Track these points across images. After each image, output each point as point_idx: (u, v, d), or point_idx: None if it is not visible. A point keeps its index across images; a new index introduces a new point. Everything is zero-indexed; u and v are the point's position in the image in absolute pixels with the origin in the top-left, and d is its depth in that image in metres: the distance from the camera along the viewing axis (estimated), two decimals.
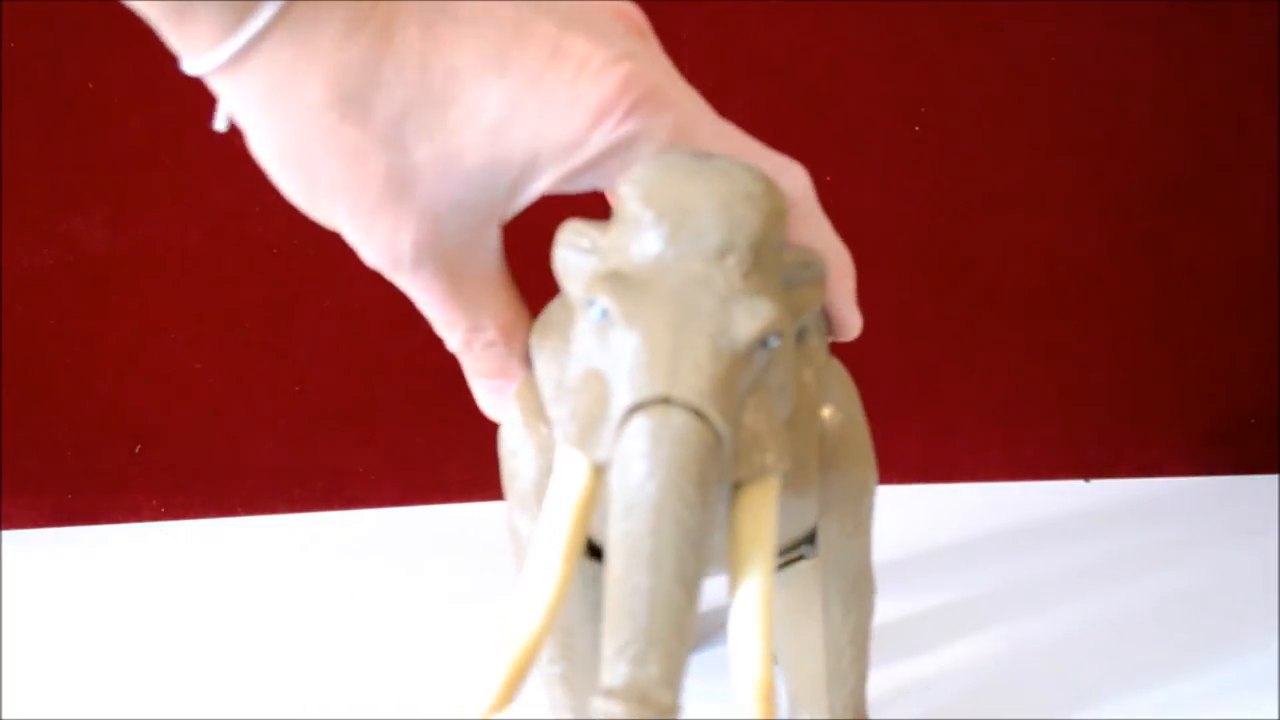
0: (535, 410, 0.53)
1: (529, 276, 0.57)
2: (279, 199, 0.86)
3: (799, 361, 0.47)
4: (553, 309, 0.54)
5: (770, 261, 0.44)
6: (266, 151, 0.48)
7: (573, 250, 0.47)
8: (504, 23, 0.46)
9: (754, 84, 0.97)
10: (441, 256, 0.49)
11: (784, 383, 0.45)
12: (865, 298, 1.06)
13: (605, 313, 0.43)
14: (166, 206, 0.91)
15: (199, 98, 0.95)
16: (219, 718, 0.63)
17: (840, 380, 0.54)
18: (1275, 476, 0.99)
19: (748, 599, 0.43)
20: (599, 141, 0.47)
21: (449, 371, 1.02)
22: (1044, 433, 1.02)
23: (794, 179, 0.51)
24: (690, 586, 0.41)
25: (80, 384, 0.92)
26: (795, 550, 0.53)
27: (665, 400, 0.42)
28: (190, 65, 0.45)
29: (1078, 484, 1.01)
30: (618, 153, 0.47)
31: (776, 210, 0.45)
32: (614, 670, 0.40)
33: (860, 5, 0.94)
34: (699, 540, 0.42)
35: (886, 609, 0.77)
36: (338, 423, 0.94)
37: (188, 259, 0.92)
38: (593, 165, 0.47)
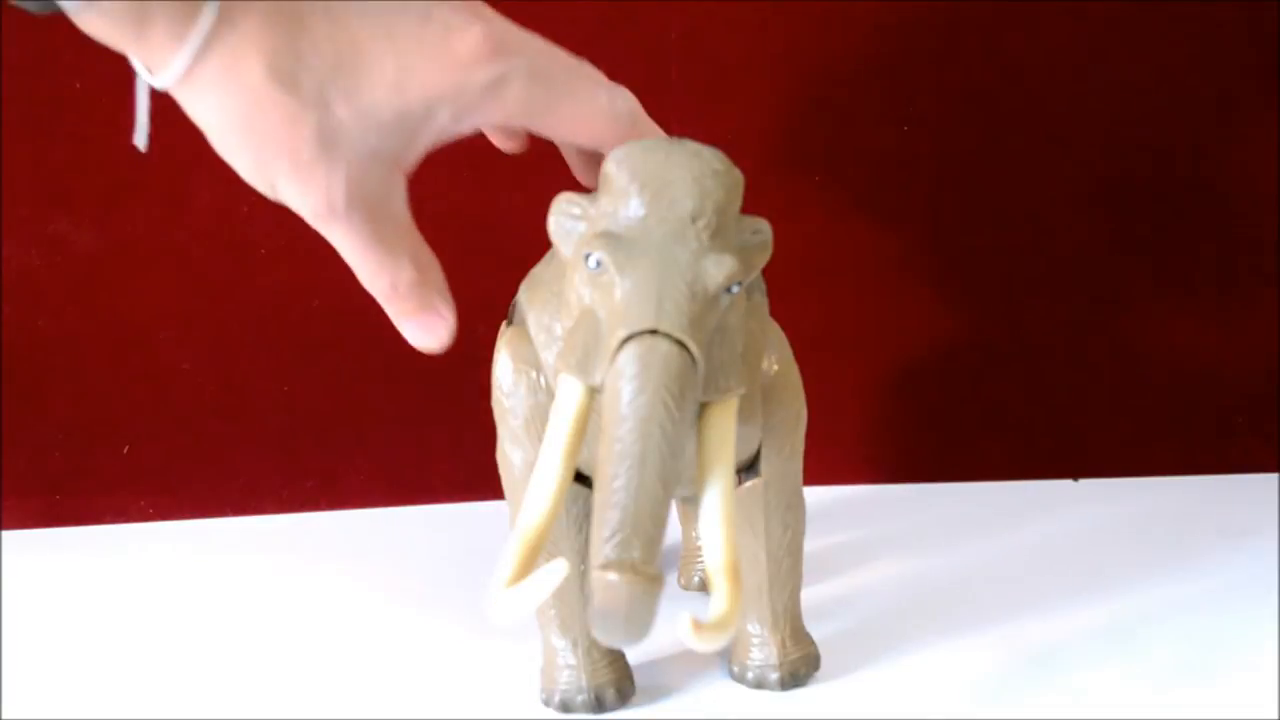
0: (526, 357, 0.65)
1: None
2: (266, 199, 0.85)
3: (747, 313, 0.61)
4: (539, 270, 0.67)
5: (730, 226, 0.58)
6: (224, 133, 0.60)
7: (565, 216, 0.60)
8: (385, 6, 0.60)
9: (744, 83, 0.97)
10: (366, 201, 0.62)
11: (739, 325, 0.59)
12: (857, 297, 1.06)
13: (599, 263, 0.56)
14: (155, 207, 0.94)
15: None
16: (209, 717, 0.68)
17: (778, 333, 0.68)
18: (1275, 476, 0.98)
19: (714, 494, 0.55)
20: (475, 83, 0.61)
21: (437, 373, 1.03)
22: (1037, 432, 1.01)
23: (626, 99, 0.65)
24: (668, 484, 0.53)
25: (68, 385, 0.93)
26: (739, 476, 0.66)
27: (653, 332, 0.54)
28: (160, 80, 0.59)
29: (1067, 483, 1.07)
30: (492, 92, 0.62)
31: (735, 184, 0.58)
32: (604, 552, 0.51)
33: (850, 5, 0.93)
34: (678, 446, 0.53)
35: (875, 607, 0.76)
36: (326, 424, 0.96)
37: (176, 260, 0.94)
38: (475, 104, 0.62)
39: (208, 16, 0.57)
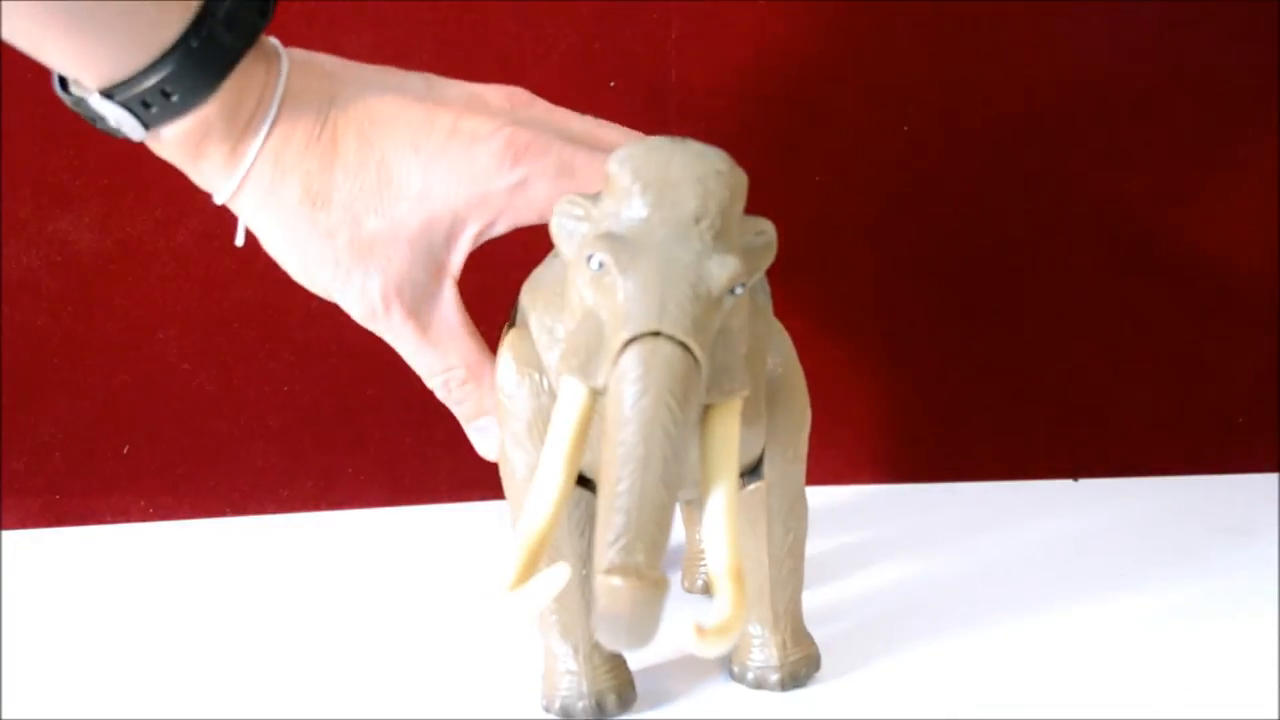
0: (528, 359, 0.64)
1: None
2: None
3: (751, 314, 0.60)
4: (541, 272, 0.67)
5: (733, 227, 0.57)
6: (273, 244, 0.68)
7: (568, 218, 0.60)
8: (412, 119, 0.66)
9: (743, 85, 0.96)
10: (406, 304, 0.67)
11: (742, 326, 0.58)
12: (857, 298, 1.06)
13: (602, 265, 0.55)
14: (155, 207, 0.94)
15: None
16: (209, 717, 0.68)
17: (782, 335, 0.67)
18: (1275, 476, 0.98)
19: (718, 497, 0.55)
20: (498, 190, 0.66)
21: None
22: (1037, 432, 1.01)
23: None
24: (671, 488, 0.52)
25: (69, 385, 0.93)
26: (742, 479, 0.66)
27: (655, 334, 0.54)
28: (218, 198, 0.67)
29: (1067, 483, 1.07)
30: (517, 194, 0.66)
31: (739, 185, 0.58)
32: (608, 556, 0.51)
33: (849, 5, 0.93)
34: (681, 449, 0.53)
35: (875, 608, 0.76)
36: (326, 424, 0.96)
37: (176, 260, 0.93)
38: (502, 208, 0.67)
39: (251, 154, 0.65)
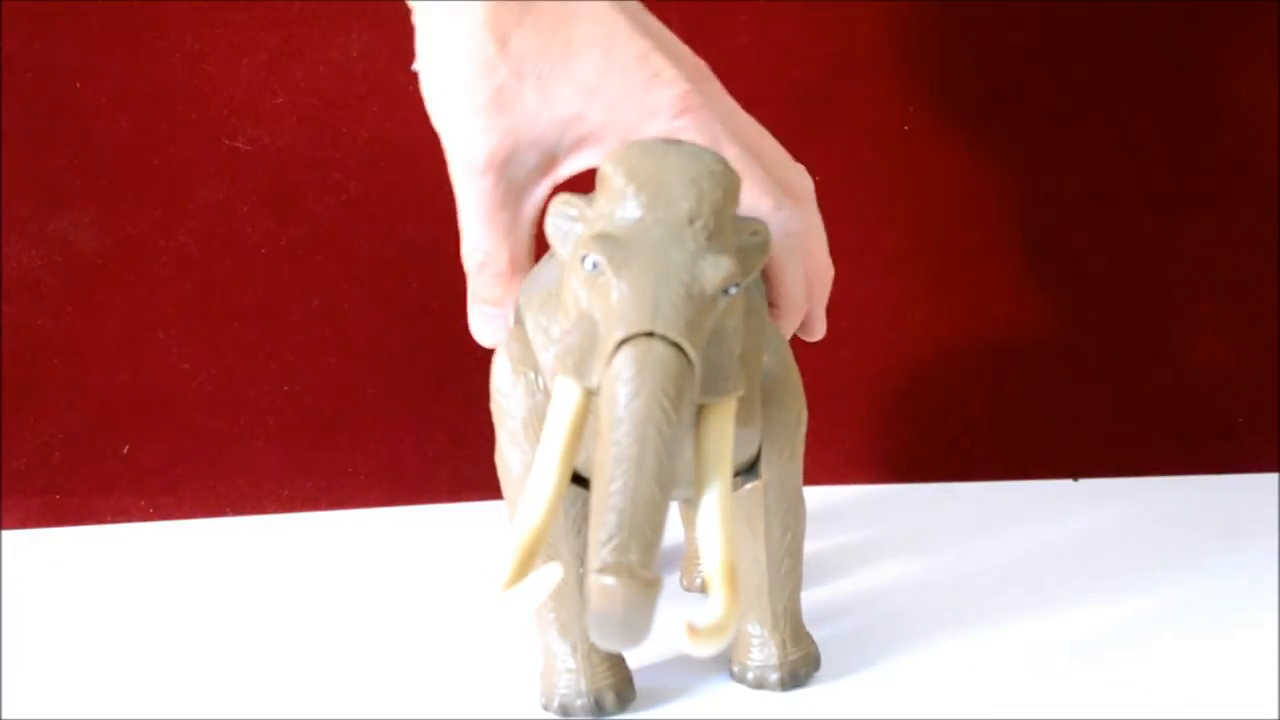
0: (524, 358, 0.64)
1: None
2: (267, 199, 0.86)
3: (746, 314, 0.60)
4: (537, 272, 0.67)
5: (727, 227, 0.58)
6: (430, 53, 0.67)
7: (563, 218, 0.60)
8: (616, 29, 0.66)
9: (744, 84, 0.96)
10: (501, 176, 0.66)
11: (736, 326, 0.58)
12: (857, 298, 1.06)
13: (596, 265, 0.56)
14: (156, 206, 0.94)
15: (188, 98, 0.95)
16: (209, 717, 0.68)
17: (777, 334, 0.67)
18: (1275, 476, 0.98)
19: (712, 496, 0.55)
20: (653, 128, 0.66)
21: (437, 372, 1.02)
22: (1037, 432, 1.01)
23: (803, 176, 0.72)
24: (665, 487, 0.52)
25: (68, 384, 0.94)
26: (739, 478, 0.66)
27: (649, 334, 0.54)
28: None
29: (1067, 483, 1.07)
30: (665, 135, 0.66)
31: (733, 186, 0.58)
32: (601, 555, 0.51)
33: (850, 5, 0.93)
34: (674, 448, 0.53)
35: (875, 607, 0.76)
36: (326, 423, 0.96)
37: (177, 259, 0.93)
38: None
39: None
